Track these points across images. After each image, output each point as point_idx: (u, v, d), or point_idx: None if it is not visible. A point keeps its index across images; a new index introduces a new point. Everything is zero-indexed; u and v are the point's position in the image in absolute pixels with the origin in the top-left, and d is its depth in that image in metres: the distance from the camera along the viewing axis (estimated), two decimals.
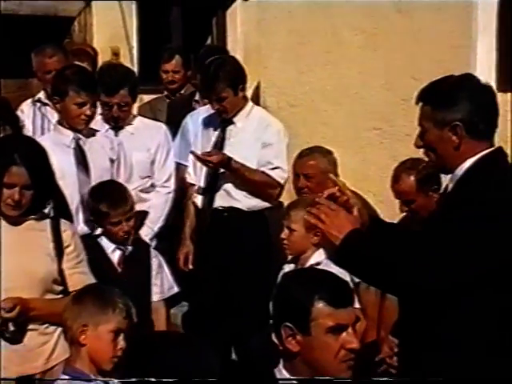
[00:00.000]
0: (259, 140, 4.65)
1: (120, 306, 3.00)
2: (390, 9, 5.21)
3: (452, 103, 2.80)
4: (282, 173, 4.63)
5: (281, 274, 3.77)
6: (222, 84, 4.53)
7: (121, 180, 4.43)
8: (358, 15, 5.36)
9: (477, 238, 2.68)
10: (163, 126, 4.79)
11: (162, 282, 4.17)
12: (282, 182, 4.65)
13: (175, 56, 5.81)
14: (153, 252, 4.24)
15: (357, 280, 3.84)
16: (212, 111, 4.73)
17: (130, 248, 4.11)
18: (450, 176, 2.90)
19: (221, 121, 4.70)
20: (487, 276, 2.71)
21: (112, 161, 4.47)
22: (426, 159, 3.89)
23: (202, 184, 4.72)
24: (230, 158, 4.49)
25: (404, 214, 4.16)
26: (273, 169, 4.62)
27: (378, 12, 5.27)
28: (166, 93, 5.88)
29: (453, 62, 4.75)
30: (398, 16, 5.17)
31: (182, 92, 5.87)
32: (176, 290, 4.23)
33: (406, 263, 2.76)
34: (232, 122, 4.66)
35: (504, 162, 2.85)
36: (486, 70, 4.49)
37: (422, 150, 2.99)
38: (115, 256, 4.06)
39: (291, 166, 4.71)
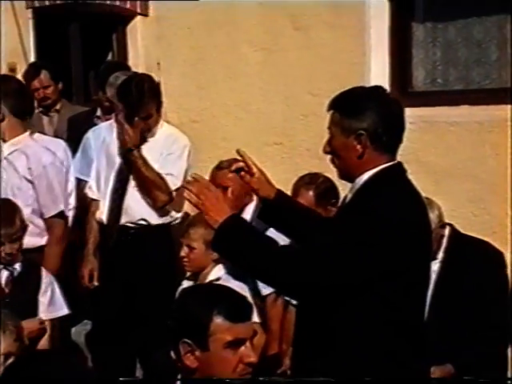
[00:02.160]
0: (163, 154, 4.65)
1: (10, 328, 2.92)
2: (287, 26, 5.31)
3: (359, 112, 2.85)
4: (175, 180, 4.62)
5: (179, 290, 3.75)
6: (150, 102, 4.54)
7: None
8: (256, 32, 5.43)
9: (365, 247, 2.72)
10: (62, 143, 4.73)
11: (51, 302, 4.07)
12: (172, 188, 4.63)
13: (42, 71, 5.66)
14: (44, 272, 4.15)
15: (265, 293, 3.91)
16: (114, 127, 4.70)
17: (18, 268, 4.00)
18: (350, 186, 2.96)
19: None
20: (376, 281, 2.75)
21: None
22: (324, 174, 4.03)
23: (106, 200, 4.69)
24: (137, 147, 4.50)
25: None
26: (167, 174, 4.62)
27: (275, 29, 5.35)
28: (40, 109, 5.74)
29: (349, 77, 4.85)
30: (296, 33, 5.27)
31: (58, 108, 5.79)
32: (66, 311, 4.13)
33: (286, 261, 2.80)
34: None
35: (401, 177, 2.91)
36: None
37: (325, 161, 3.04)
38: (3, 276, 3.96)
39: (209, 177, 4.73)
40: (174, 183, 4.61)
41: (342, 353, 2.82)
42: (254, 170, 3.13)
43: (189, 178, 3.02)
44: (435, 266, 3.64)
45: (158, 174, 4.57)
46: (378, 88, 2.99)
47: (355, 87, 3.01)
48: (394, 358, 2.80)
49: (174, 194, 4.61)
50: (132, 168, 4.60)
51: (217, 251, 2.97)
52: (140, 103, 4.52)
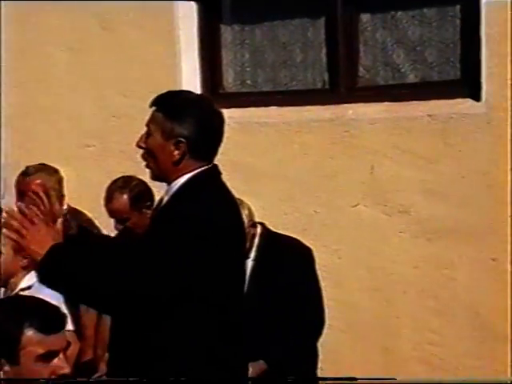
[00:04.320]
0: None
1: None
2: (94, 25, 5.23)
3: (183, 119, 2.84)
4: None
5: None
6: None
7: None
8: (62, 31, 5.31)
9: (182, 253, 2.73)
10: None
11: None
12: None
13: None
14: None
15: None
16: None
17: None
18: (166, 189, 2.95)
19: None
20: (196, 290, 2.77)
21: None
22: (139, 177, 4.01)
23: None
24: None
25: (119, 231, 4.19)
26: None
27: (82, 28, 5.26)
28: None
29: (160, 79, 4.86)
30: (104, 33, 5.21)
31: None
32: None
33: (115, 276, 2.75)
34: None
35: (216, 180, 2.94)
36: (191, 88, 4.62)
37: (140, 164, 3.01)
38: None
39: (14, 183, 4.59)
40: None
41: (165, 356, 2.81)
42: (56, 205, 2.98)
43: (3, 214, 2.88)
44: (248, 265, 3.71)
45: None
46: (204, 97, 3.01)
47: (182, 91, 3.03)
48: (217, 359, 2.83)
49: None
50: None
51: (43, 283, 2.88)
52: None
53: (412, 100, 4.59)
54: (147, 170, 2.97)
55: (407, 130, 4.54)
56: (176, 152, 2.84)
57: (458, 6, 4.53)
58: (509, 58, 4.24)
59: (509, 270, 4.36)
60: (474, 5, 4.32)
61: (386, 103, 4.66)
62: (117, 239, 4.14)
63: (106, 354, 3.69)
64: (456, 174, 4.42)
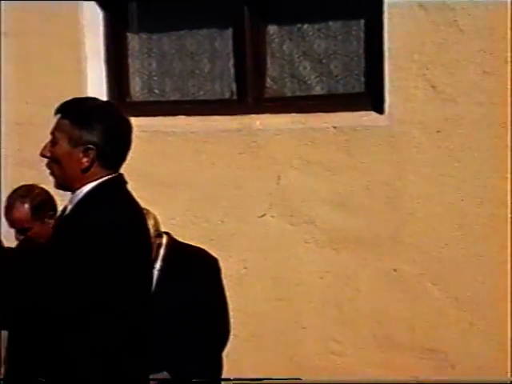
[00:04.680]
0: None
1: None
2: None
3: (91, 126, 2.79)
4: None
5: None
6: None
7: None
8: None
9: (85, 263, 2.68)
10: None
11: None
12: None
13: None
14: None
15: None
16: None
17: None
18: (70, 197, 2.91)
19: None
20: (100, 300, 2.72)
21: None
22: (40, 185, 3.93)
23: None
24: None
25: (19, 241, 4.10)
26: None
27: None
28: None
29: (66, 87, 4.80)
30: (6, 40, 5.12)
31: None
32: None
33: (18, 289, 2.70)
34: None
35: (121, 189, 2.89)
36: (97, 96, 4.56)
37: (43, 172, 2.95)
38: None
39: None
40: None
41: (64, 368, 2.76)
42: None
43: None
44: (154, 275, 3.68)
45: None
46: (111, 104, 2.96)
47: (88, 97, 2.97)
48: (120, 371, 2.78)
49: None
50: None
51: None
52: None
53: (318, 112, 4.64)
54: (51, 179, 2.92)
55: (313, 142, 4.59)
56: (85, 159, 2.79)
57: (362, 20, 4.62)
58: (411, 72, 4.34)
59: (410, 279, 4.46)
60: (378, 19, 4.40)
61: (293, 114, 4.71)
62: (17, 250, 4.05)
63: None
64: (360, 185, 4.50)
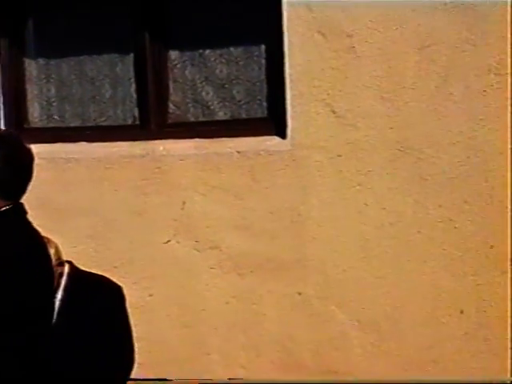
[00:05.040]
0: None
1: None
2: None
3: None
4: None
5: None
6: None
7: None
8: None
9: None
10: None
11: None
12: None
13: None
14: None
15: None
16: None
17: None
18: None
19: None
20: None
21: None
22: None
23: None
24: None
25: None
26: None
27: None
28: None
29: None
30: None
31: None
32: None
33: None
34: None
35: (21, 219, 2.84)
36: None
37: None
38: None
39: None
40: None
41: None
42: None
43: None
44: (55, 305, 3.63)
45: None
46: (11, 133, 2.92)
47: None
48: None
49: None
50: None
51: None
52: None
53: (221, 137, 4.69)
54: None
55: (217, 167, 4.63)
56: None
57: (263, 46, 4.70)
58: (312, 97, 4.42)
59: (314, 303, 4.52)
60: (278, 45, 4.49)
61: (196, 140, 4.73)
62: None
63: None
64: (264, 210, 4.55)
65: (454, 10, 4.20)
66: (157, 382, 4.72)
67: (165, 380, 4.66)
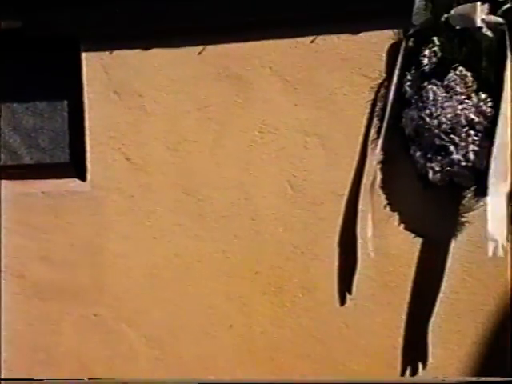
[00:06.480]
0: None
1: None
2: None
3: None
4: None
5: None
6: None
7: None
8: None
9: None
10: None
11: None
12: None
13: None
14: None
15: None
16: None
17: None
18: None
19: None
20: None
21: None
22: None
23: None
24: None
25: None
26: None
27: None
28: None
29: None
30: None
31: None
32: None
33: None
34: None
35: None
36: None
37: None
38: None
39: None
40: None
41: None
42: None
43: None
44: None
45: None
46: None
47: None
48: None
49: None
50: None
51: None
52: None
53: (28, 179, 4.87)
54: None
55: (26, 206, 4.81)
56: None
57: (66, 101, 4.90)
58: (108, 146, 4.66)
59: (108, 322, 4.77)
60: (79, 101, 4.73)
61: (4, 181, 4.89)
62: None
63: None
64: (65, 243, 4.73)
65: (225, 79, 4.56)
66: None
67: None
